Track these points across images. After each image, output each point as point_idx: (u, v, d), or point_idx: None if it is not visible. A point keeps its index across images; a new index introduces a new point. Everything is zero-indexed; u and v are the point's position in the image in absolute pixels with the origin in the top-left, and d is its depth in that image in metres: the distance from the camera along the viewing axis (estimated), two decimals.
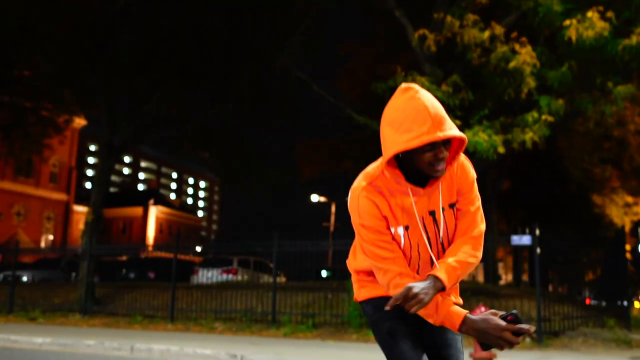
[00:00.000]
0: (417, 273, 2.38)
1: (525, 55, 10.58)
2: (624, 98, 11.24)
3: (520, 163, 26.28)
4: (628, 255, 38.40)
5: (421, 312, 2.20)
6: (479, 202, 2.40)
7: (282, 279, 15.99)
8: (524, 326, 2.06)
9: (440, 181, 2.31)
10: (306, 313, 13.40)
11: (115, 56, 18.03)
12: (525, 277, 25.79)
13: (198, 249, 27.61)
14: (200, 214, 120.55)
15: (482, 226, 2.39)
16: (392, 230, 2.31)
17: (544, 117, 10.82)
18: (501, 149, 10.87)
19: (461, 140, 2.24)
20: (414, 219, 2.32)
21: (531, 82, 10.71)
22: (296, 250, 13.76)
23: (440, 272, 2.20)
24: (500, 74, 11.40)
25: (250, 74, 18.68)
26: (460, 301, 2.40)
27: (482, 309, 8.14)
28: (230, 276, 20.60)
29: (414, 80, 11.02)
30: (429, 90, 11.15)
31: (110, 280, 21.03)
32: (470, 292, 13.71)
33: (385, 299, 2.40)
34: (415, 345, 2.35)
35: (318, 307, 13.67)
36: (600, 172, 26.78)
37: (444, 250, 2.37)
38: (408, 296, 2.10)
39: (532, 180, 27.65)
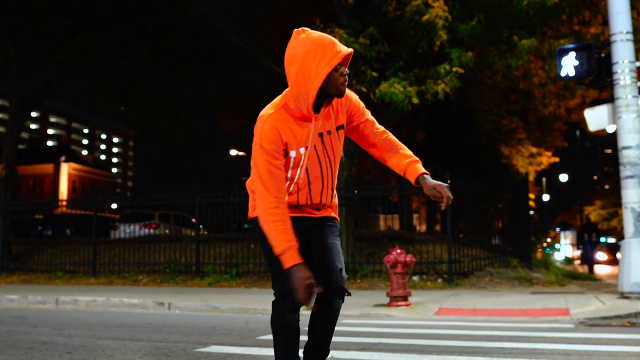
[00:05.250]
0: (309, 185, 2.82)
1: (438, 9, 10.98)
2: (528, 52, 11.89)
3: (434, 116, 27.17)
4: (532, 204, 40.81)
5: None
6: (370, 115, 2.99)
7: (203, 233, 16.09)
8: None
9: (330, 106, 2.78)
10: (230, 263, 13.67)
11: (23, 2, 17.14)
12: (438, 228, 26.97)
13: (114, 205, 27.08)
14: (114, 170, 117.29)
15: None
16: (294, 153, 2.72)
17: (454, 69, 11.32)
18: (415, 100, 11.34)
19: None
20: (310, 141, 2.74)
21: (443, 35, 11.15)
22: (218, 201, 13.91)
23: (421, 168, 2.82)
24: (414, 26, 11.77)
25: (166, 22, 18.26)
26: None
27: (398, 250, 8.69)
28: (151, 231, 20.52)
29: (332, 33, 11.23)
30: (346, 42, 11.45)
31: (25, 238, 20.45)
32: (387, 239, 14.38)
33: None
34: None
35: (241, 256, 13.96)
36: (508, 123, 28.10)
37: (331, 165, 2.84)
38: (449, 189, 2.71)
39: (445, 132, 28.66)
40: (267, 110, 2.72)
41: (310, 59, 2.56)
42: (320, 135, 2.76)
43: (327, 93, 2.65)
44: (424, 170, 2.80)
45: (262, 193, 2.64)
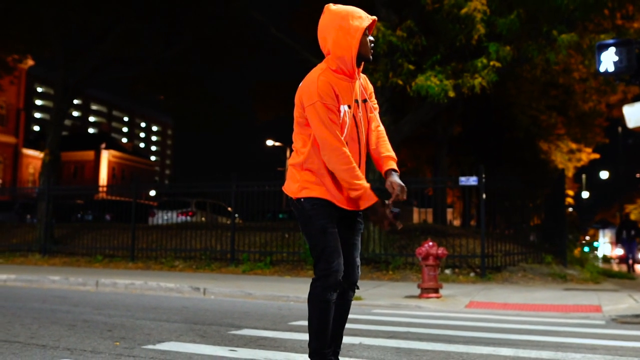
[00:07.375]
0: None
1: (477, 2, 10.91)
2: (568, 47, 11.72)
3: (471, 109, 26.92)
4: (570, 200, 40.08)
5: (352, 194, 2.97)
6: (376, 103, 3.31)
7: (238, 221, 16.35)
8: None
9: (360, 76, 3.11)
10: (264, 251, 13.89)
11: None
12: (473, 223, 26.76)
13: (152, 193, 27.58)
14: (152, 158, 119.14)
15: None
16: (342, 108, 2.98)
17: (492, 63, 11.25)
18: (452, 93, 11.32)
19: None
20: (352, 102, 3.03)
21: (481, 29, 11.08)
22: (254, 190, 14.12)
23: (392, 165, 3.06)
24: (452, 20, 11.72)
25: (206, 13, 18.51)
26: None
27: (430, 243, 8.75)
28: (188, 218, 20.92)
29: None
30: (384, 34, 11.48)
31: (66, 222, 21.06)
32: (420, 231, 14.40)
33: (321, 200, 3.03)
34: (338, 240, 3.04)
35: (275, 245, 14.17)
36: (547, 118, 27.68)
37: (364, 134, 3.11)
38: (404, 190, 2.93)
39: (482, 126, 28.36)
40: (313, 73, 3.00)
41: (348, 20, 2.94)
42: (356, 101, 3.06)
43: (361, 54, 2.98)
44: (393, 167, 3.08)
45: (334, 145, 2.91)
